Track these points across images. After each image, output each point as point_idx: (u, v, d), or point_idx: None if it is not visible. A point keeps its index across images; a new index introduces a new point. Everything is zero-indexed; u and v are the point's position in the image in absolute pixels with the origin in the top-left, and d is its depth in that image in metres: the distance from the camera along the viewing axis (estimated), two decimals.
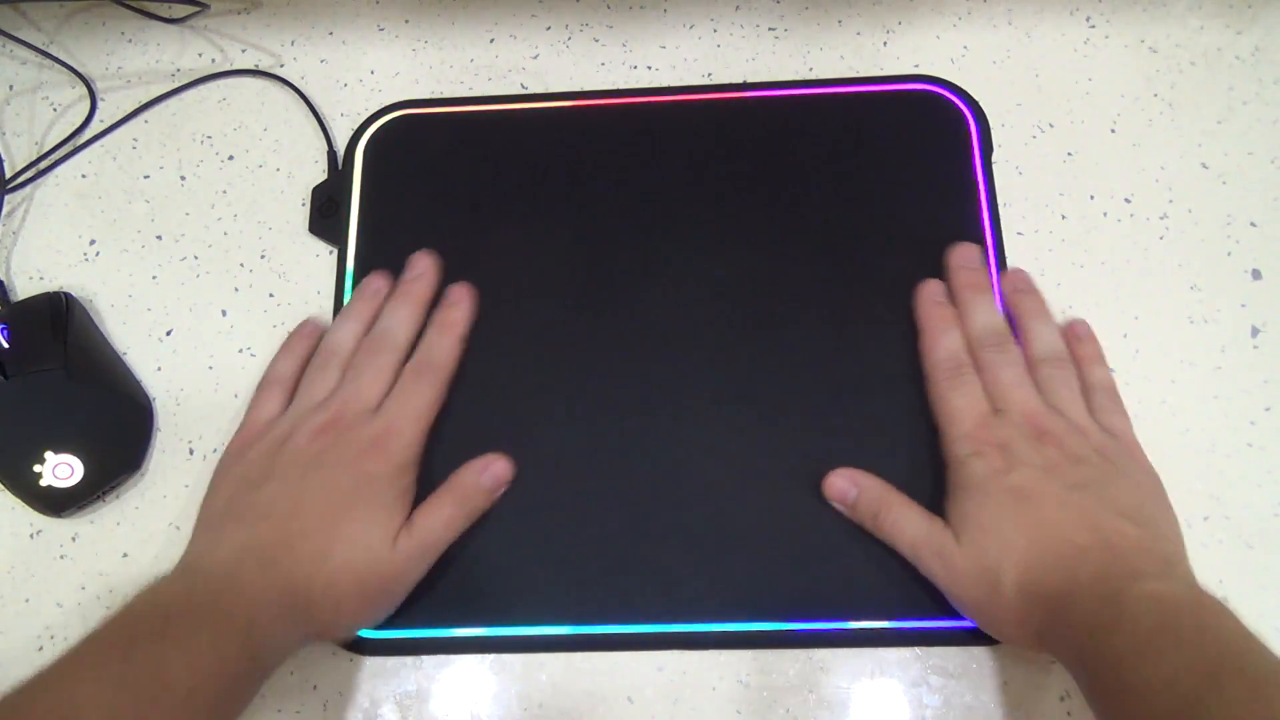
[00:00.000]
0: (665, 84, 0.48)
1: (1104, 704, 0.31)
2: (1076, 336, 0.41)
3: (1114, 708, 0.30)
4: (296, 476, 0.36)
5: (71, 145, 0.49)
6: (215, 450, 0.42)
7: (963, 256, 0.41)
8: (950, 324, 0.40)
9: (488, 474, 0.39)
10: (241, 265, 0.46)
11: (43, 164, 0.48)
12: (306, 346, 0.42)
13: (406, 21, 0.51)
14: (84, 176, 0.49)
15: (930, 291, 0.41)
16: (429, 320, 0.42)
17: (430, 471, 0.40)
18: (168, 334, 0.45)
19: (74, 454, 0.41)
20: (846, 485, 0.38)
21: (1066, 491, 0.34)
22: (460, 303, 0.42)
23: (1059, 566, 0.33)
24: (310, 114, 0.48)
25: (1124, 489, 0.35)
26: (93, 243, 0.47)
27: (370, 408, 0.38)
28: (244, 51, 0.51)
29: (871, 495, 0.38)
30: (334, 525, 0.35)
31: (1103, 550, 0.33)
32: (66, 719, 0.28)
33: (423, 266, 0.43)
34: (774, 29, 0.49)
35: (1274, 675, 0.28)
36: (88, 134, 0.49)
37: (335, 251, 0.45)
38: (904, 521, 0.37)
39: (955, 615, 0.37)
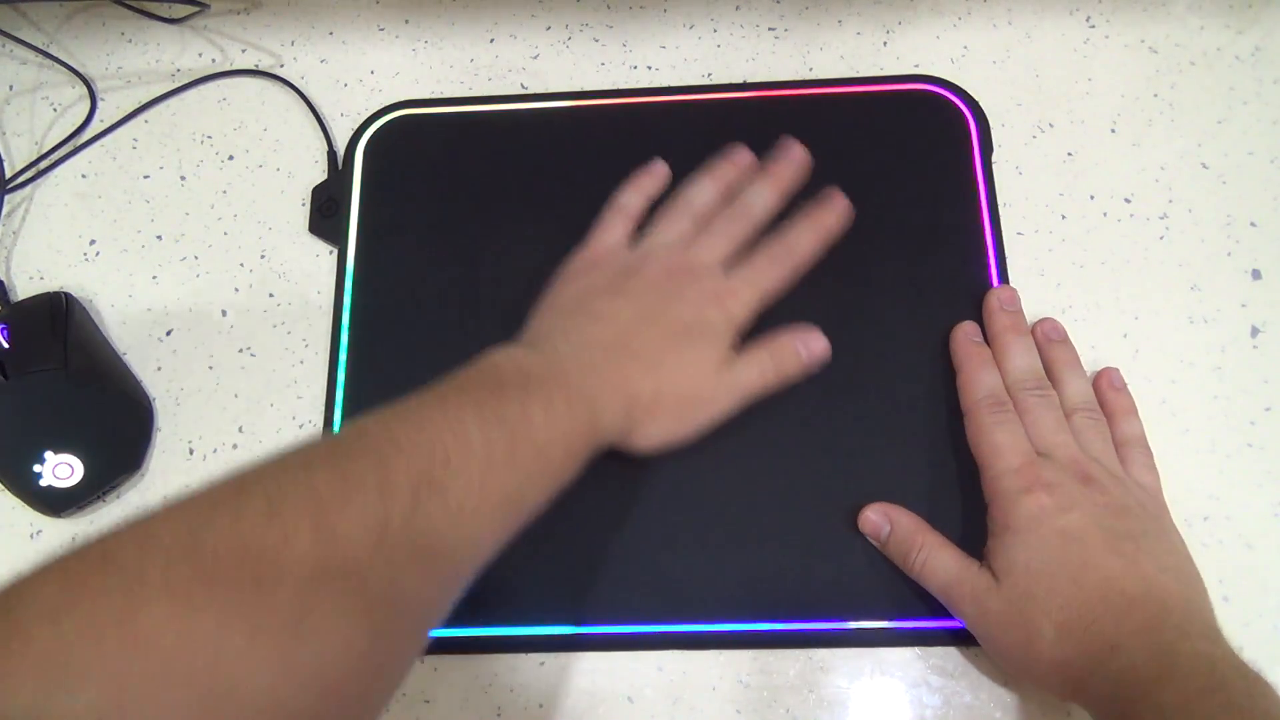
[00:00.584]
0: (665, 84, 0.48)
1: None
2: (1111, 386, 0.40)
3: None
4: (647, 300, 0.38)
5: (71, 145, 0.49)
6: (215, 450, 0.43)
7: (1002, 299, 0.41)
8: (989, 363, 0.40)
9: (806, 348, 0.40)
10: (241, 265, 0.46)
11: (43, 164, 0.48)
12: (657, 186, 0.44)
13: (406, 21, 0.51)
14: (84, 176, 0.49)
15: (967, 331, 0.41)
16: (801, 214, 0.42)
17: None
18: (168, 334, 0.45)
19: (74, 454, 0.41)
20: (880, 520, 0.38)
21: (1117, 540, 0.34)
22: (838, 209, 0.42)
23: (1107, 615, 0.32)
24: (310, 114, 0.48)
25: (1165, 547, 0.35)
26: (93, 243, 0.47)
27: (717, 267, 0.40)
28: (244, 51, 0.51)
29: (903, 533, 0.37)
30: (669, 346, 0.37)
31: (1152, 603, 0.32)
32: (456, 435, 0.30)
33: (796, 154, 0.43)
34: (774, 29, 0.49)
35: None
36: (88, 134, 0.49)
37: (335, 251, 0.45)
38: (935, 563, 0.36)
39: (956, 616, 0.37)
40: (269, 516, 0.25)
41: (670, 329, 0.38)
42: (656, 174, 0.44)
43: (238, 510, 0.25)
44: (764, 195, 0.42)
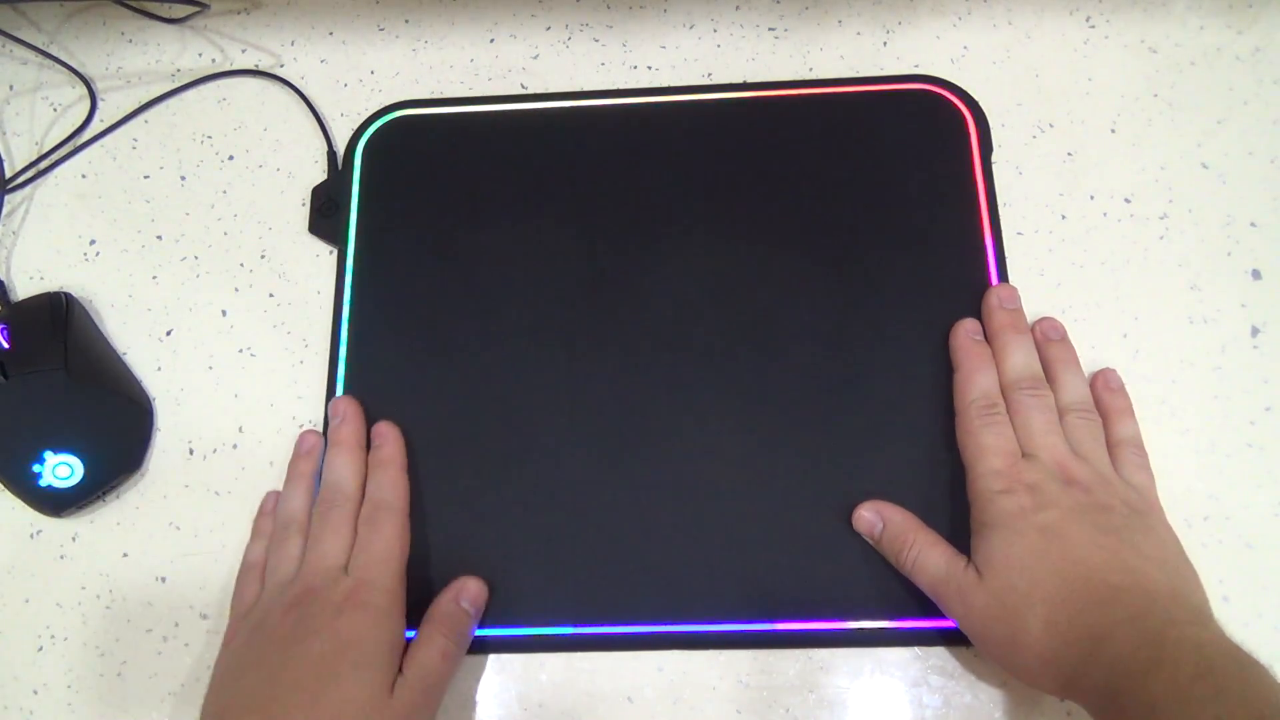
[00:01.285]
0: (665, 84, 0.48)
1: None
2: (1108, 387, 0.40)
3: None
4: (275, 659, 0.34)
5: (71, 145, 0.49)
6: (215, 450, 0.43)
7: (1001, 296, 0.41)
8: (986, 363, 0.40)
9: (465, 598, 0.38)
10: (241, 265, 0.46)
11: (43, 164, 0.48)
12: (270, 524, 0.40)
13: (406, 21, 0.51)
14: (84, 176, 0.49)
15: (968, 329, 0.41)
16: (370, 458, 0.40)
17: (437, 486, 0.40)
18: (168, 334, 0.45)
19: (74, 454, 0.41)
20: (873, 518, 0.38)
21: (1097, 533, 0.34)
22: (388, 438, 0.41)
23: (1092, 606, 0.32)
24: (310, 114, 0.48)
25: (1151, 541, 0.35)
26: (93, 243, 0.47)
27: (339, 566, 0.37)
28: (244, 51, 0.51)
29: (894, 531, 0.37)
30: (317, 699, 0.33)
31: (1138, 592, 0.32)
32: None
33: (341, 409, 0.41)
34: (774, 29, 0.49)
35: None
36: (88, 134, 0.49)
37: (335, 251, 0.45)
38: (924, 560, 0.36)
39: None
40: None
41: (311, 675, 0.33)
42: (266, 510, 0.41)
43: None
44: (341, 467, 0.40)
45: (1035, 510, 0.35)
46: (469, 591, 0.38)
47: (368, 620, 0.35)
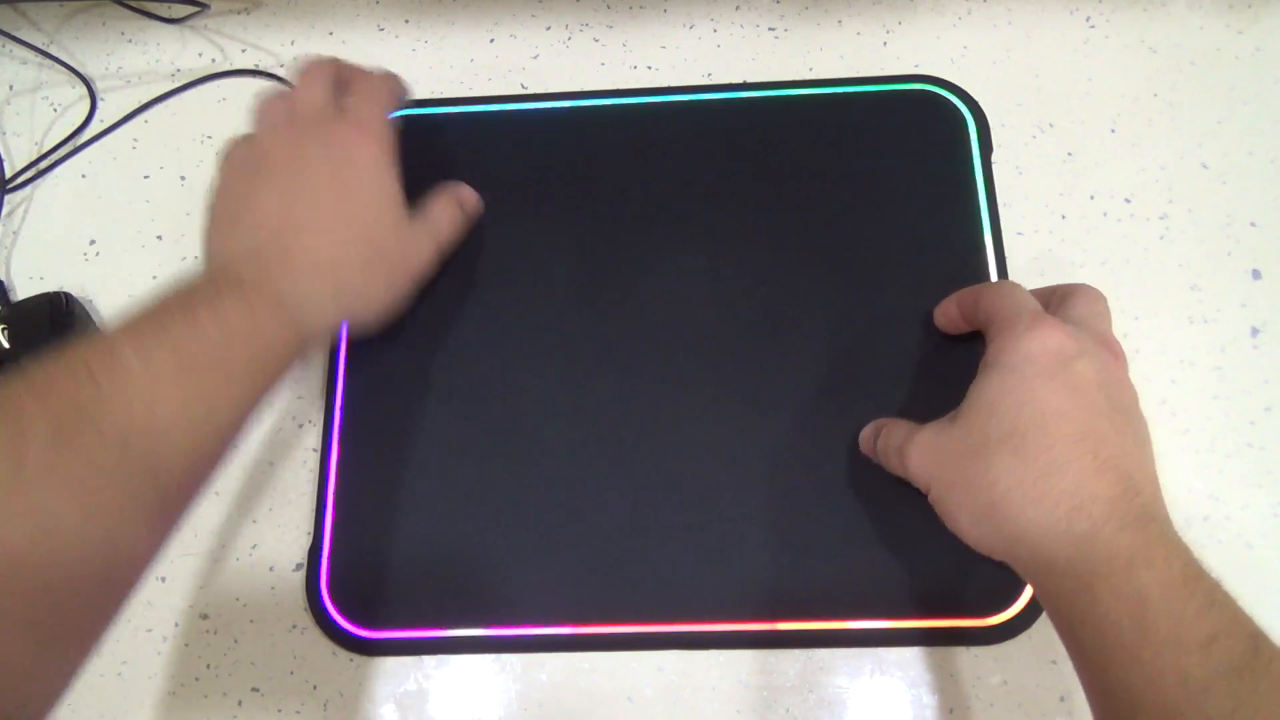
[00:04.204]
0: (665, 84, 0.48)
1: (1111, 638, 0.28)
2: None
3: (1128, 653, 0.27)
4: (282, 173, 0.36)
5: (71, 145, 0.49)
6: None
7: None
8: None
9: (463, 198, 0.42)
10: None
11: (43, 164, 0.48)
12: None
13: (406, 21, 0.51)
14: (84, 176, 0.49)
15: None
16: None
17: (437, 486, 0.40)
18: None
19: None
20: (868, 430, 0.39)
21: (1111, 409, 0.31)
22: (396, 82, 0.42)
23: (1070, 469, 0.29)
24: None
25: (1148, 446, 0.33)
26: (93, 243, 0.47)
27: (327, 103, 0.38)
28: (244, 51, 0.51)
29: (878, 427, 0.38)
30: (331, 199, 0.36)
31: (1122, 475, 0.30)
32: (107, 365, 0.29)
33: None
34: (774, 29, 0.49)
35: None
36: (88, 134, 0.49)
37: None
38: (895, 432, 0.36)
39: (955, 615, 0.37)
40: None
41: (322, 179, 0.36)
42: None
43: None
44: (324, 57, 0.40)
45: (1061, 356, 0.32)
46: (466, 194, 0.42)
47: (367, 132, 0.38)
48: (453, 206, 0.41)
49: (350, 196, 0.36)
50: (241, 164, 0.38)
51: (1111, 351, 0.34)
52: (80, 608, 0.28)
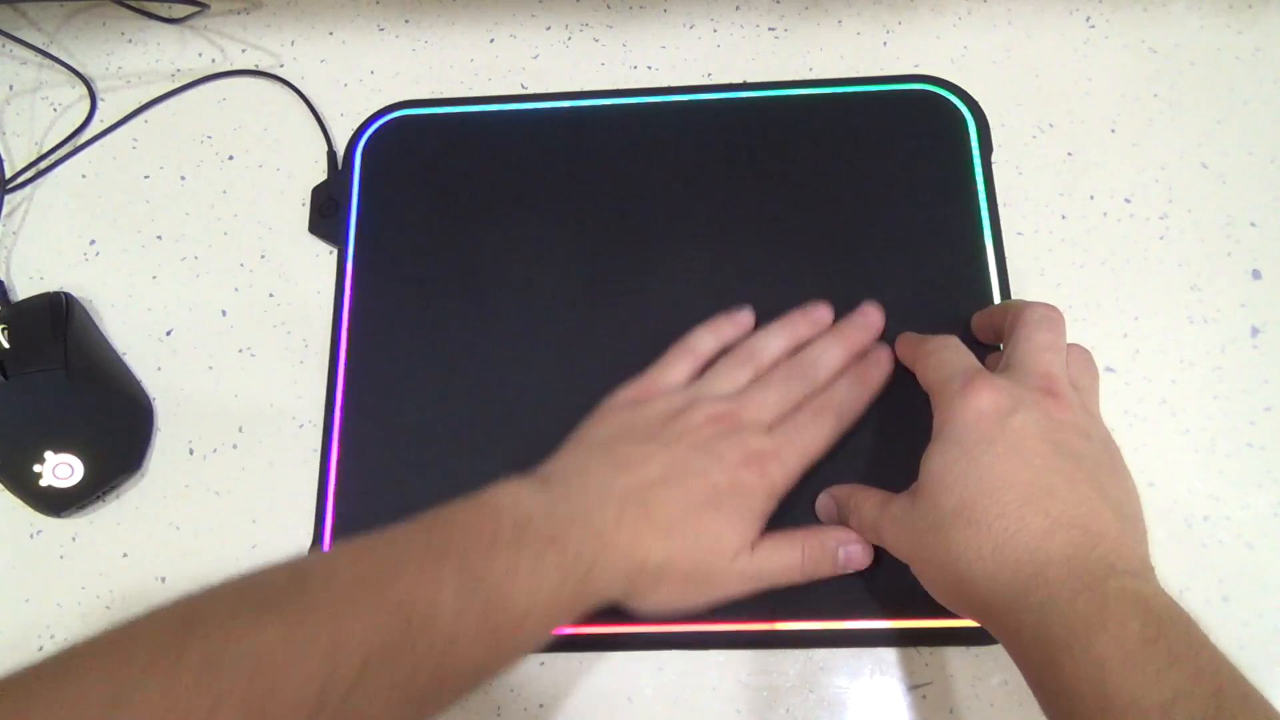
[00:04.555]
0: (665, 84, 0.48)
1: (1076, 708, 0.27)
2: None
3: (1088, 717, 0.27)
4: (680, 449, 0.36)
5: (71, 145, 0.49)
6: (215, 450, 0.42)
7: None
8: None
9: (844, 552, 0.37)
10: (241, 265, 0.46)
11: (43, 164, 0.48)
12: (733, 334, 0.41)
13: (406, 21, 0.51)
14: (84, 176, 0.49)
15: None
16: (850, 372, 0.40)
17: (437, 485, 0.40)
18: (168, 334, 0.45)
19: (74, 454, 0.41)
20: (826, 501, 0.38)
21: (1056, 455, 0.31)
22: (883, 364, 0.40)
23: (1023, 535, 0.29)
24: (310, 114, 0.48)
25: (1115, 483, 0.32)
26: (93, 243, 0.47)
27: (767, 423, 0.37)
28: (244, 51, 0.51)
29: (841, 498, 0.37)
30: (691, 513, 0.34)
31: (1079, 529, 0.29)
32: (426, 598, 0.28)
33: (873, 319, 0.41)
34: (774, 29, 0.49)
35: (1269, 707, 0.26)
36: (88, 134, 0.49)
37: (335, 251, 0.45)
38: (864, 506, 0.36)
39: (955, 615, 0.37)
40: (200, 678, 0.24)
41: (699, 492, 0.35)
42: (739, 322, 0.41)
43: (174, 669, 0.25)
44: (832, 355, 0.39)
45: (997, 415, 0.31)
46: (852, 553, 0.37)
47: (762, 486, 0.36)
48: (797, 555, 0.36)
49: (713, 514, 0.35)
50: (660, 408, 0.37)
51: (1050, 392, 0.33)
52: None
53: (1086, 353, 0.37)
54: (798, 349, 0.40)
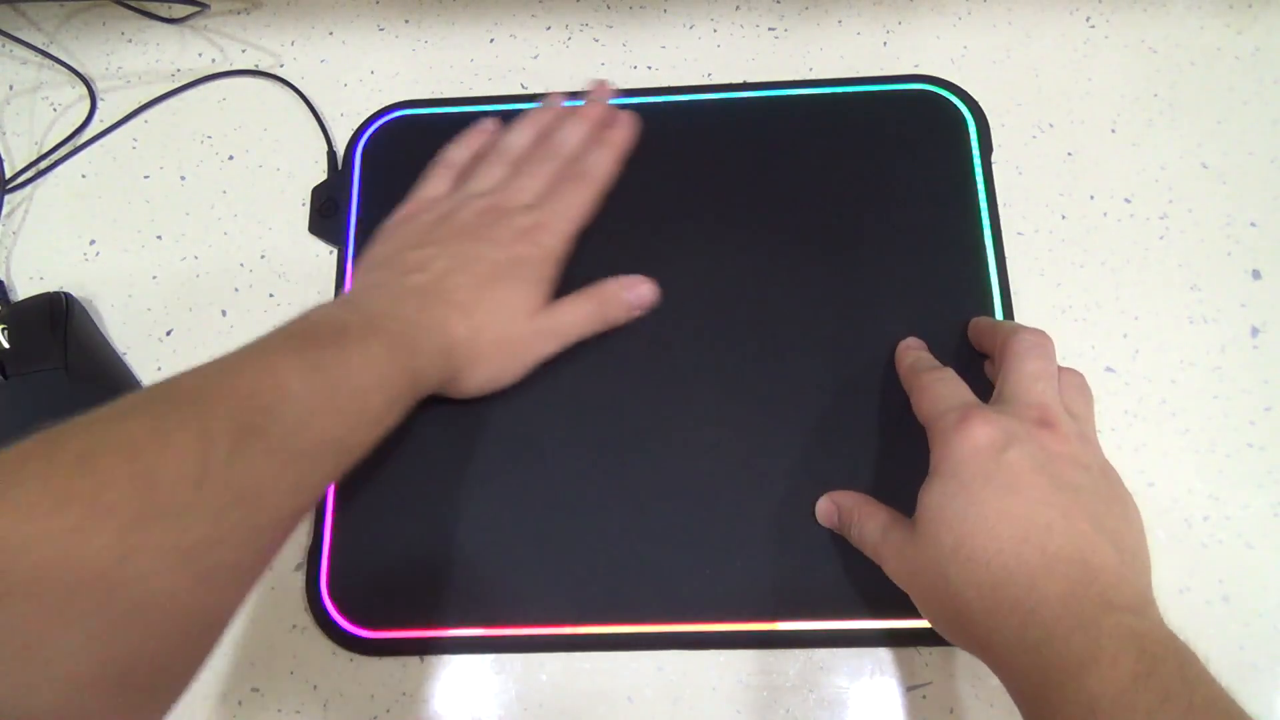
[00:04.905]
0: (665, 84, 0.48)
1: None
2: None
3: None
4: (455, 244, 0.39)
5: (71, 145, 0.49)
6: None
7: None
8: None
9: (633, 291, 0.41)
10: (241, 265, 0.46)
11: (43, 164, 0.48)
12: (482, 142, 0.45)
13: (406, 21, 0.51)
14: (84, 176, 0.49)
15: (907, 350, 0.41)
16: (593, 137, 0.44)
17: (436, 485, 0.40)
18: (168, 334, 0.45)
19: None
20: (829, 507, 0.38)
21: (1052, 489, 0.31)
22: (625, 125, 0.44)
23: (1021, 573, 0.29)
24: (310, 114, 0.48)
25: (1114, 514, 0.32)
26: (93, 243, 0.47)
27: (528, 203, 0.41)
28: (244, 51, 0.51)
29: (845, 511, 0.37)
30: (483, 289, 0.38)
31: (1075, 565, 0.29)
32: (276, 383, 0.30)
33: (605, 93, 0.46)
34: (774, 29, 0.49)
35: None
36: (88, 134, 0.49)
37: (335, 251, 0.45)
38: (867, 526, 0.36)
39: None
40: (79, 468, 0.25)
41: (483, 271, 0.38)
42: (484, 128, 0.45)
43: (48, 466, 0.25)
44: (572, 131, 0.43)
45: (992, 450, 0.31)
46: (639, 289, 0.41)
47: (539, 254, 0.40)
48: (590, 305, 0.41)
49: (498, 278, 0.39)
50: (431, 218, 0.41)
51: (1044, 423, 0.33)
52: (179, 647, 0.28)
53: (1080, 376, 0.36)
54: (544, 136, 0.44)
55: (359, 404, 0.33)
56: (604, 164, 0.43)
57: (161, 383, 0.29)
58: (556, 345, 0.40)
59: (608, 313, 0.41)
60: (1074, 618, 0.28)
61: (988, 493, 0.31)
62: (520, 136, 0.44)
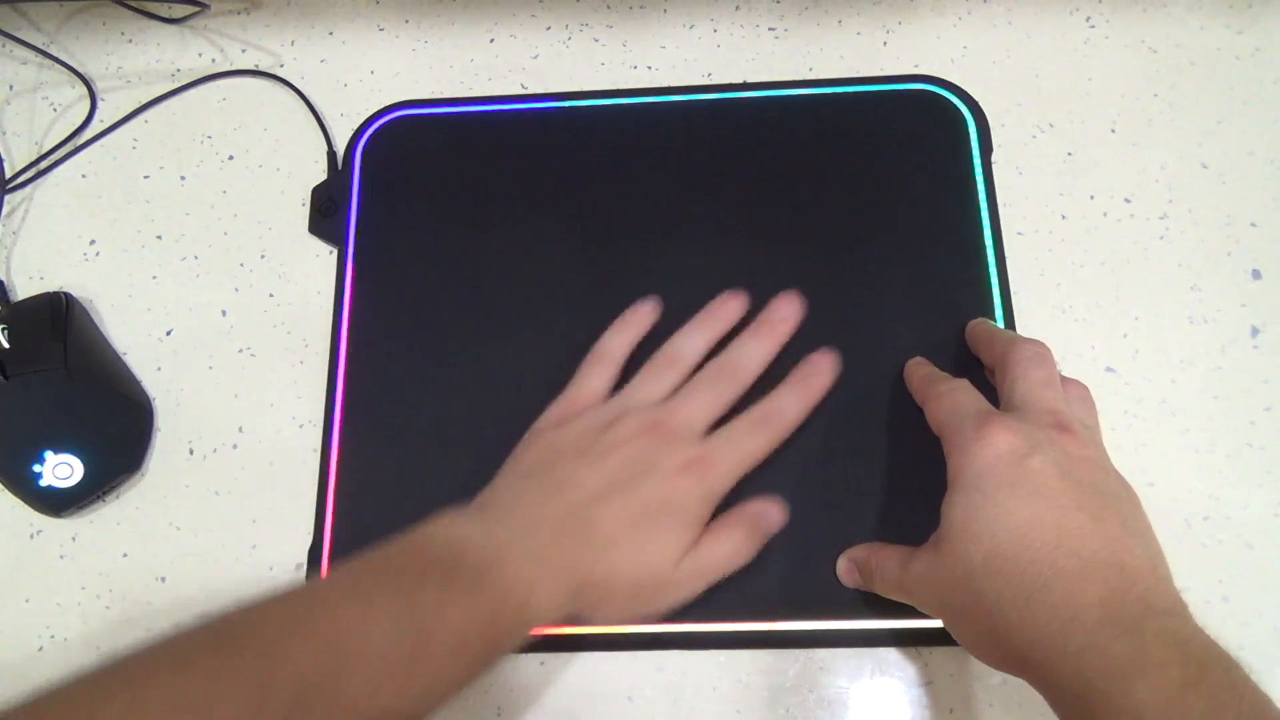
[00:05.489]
0: (665, 84, 0.48)
1: None
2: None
3: None
4: (612, 464, 0.35)
5: (71, 145, 0.49)
6: (215, 450, 0.42)
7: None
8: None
9: (769, 517, 0.37)
10: (241, 265, 0.46)
11: (43, 164, 0.48)
12: (641, 329, 0.41)
13: (406, 21, 0.51)
14: (84, 176, 0.49)
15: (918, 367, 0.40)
16: (790, 378, 0.39)
17: (437, 486, 0.40)
18: (168, 334, 0.45)
19: (74, 454, 0.41)
20: (846, 565, 0.37)
21: (1083, 493, 0.30)
22: (826, 372, 0.39)
23: (1058, 581, 0.28)
24: (310, 114, 0.48)
25: (1137, 516, 0.31)
26: (93, 243, 0.47)
27: (699, 430, 0.37)
28: (244, 51, 0.51)
29: (860, 561, 0.37)
30: (632, 525, 0.34)
31: (1113, 567, 0.28)
32: (357, 634, 0.28)
33: (789, 310, 0.40)
34: (774, 29, 0.49)
35: None
36: (88, 134, 0.49)
37: (335, 251, 0.45)
38: (886, 567, 0.35)
39: None
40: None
41: (636, 506, 0.34)
42: (643, 315, 0.41)
43: (91, 716, 0.24)
44: (756, 352, 0.39)
45: (1014, 458, 0.31)
46: (772, 514, 0.37)
47: (699, 494, 0.35)
48: (737, 537, 0.36)
49: (654, 525, 0.34)
50: (586, 425, 0.37)
51: (1062, 428, 0.32)
52: None
53: (1085, 389, 0.36)
54: (717, 344, 0.40)
55: (452, 658, 0.29)
56: (797, 412, 0.38)
57: (240, 615, 0.28)
58: (702, 588, 0.35)
59: (757, 541, 0.36)
60: (1116, 623, 0.27)
61: (1015, 501, 0.30)
62: (695, 342, 0.39)
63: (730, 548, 0.36)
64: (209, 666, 0.26)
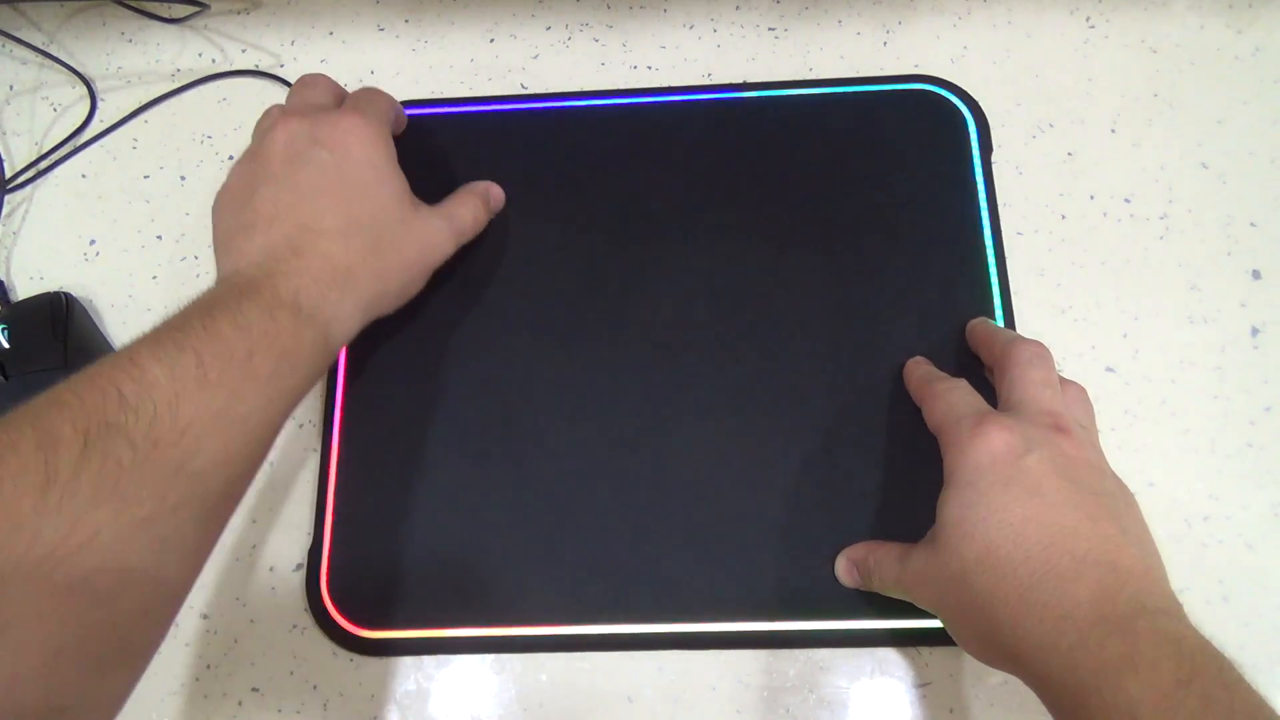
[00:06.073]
0: (665, 84, 0.48)
1: None
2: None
3: None
4: (285, 171, 0.36)
5: (71, 145, 0.49)
6: None
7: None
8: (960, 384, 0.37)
9: (492, 194, 0.43)
10: None
11: (43, 164, 0.48)
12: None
13: (406, 21, 0.51)
14: (84, 176, 0.49)
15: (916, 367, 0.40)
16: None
17: (437, 485, 0.40)
18: None
19: None
20: (845, 564, 0.38)
21: (1078, 492, 0.30)
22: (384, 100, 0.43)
23: (1050, 579, 0.28)
24: None
25: (1132, 517, 0.32)
26: (93, 243, 0.47)
27: (324, 104, 0.39)
28: (244, 51, 0.51)
29: (859, 561, 0.37)
30: (346, 202, 0.35)
31: (1106, 566, 0.29)
32: (131, 375, 0.28)
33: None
34: (774, 29, 0.49)
35: None
36: (88, 134, 0.49)
37: None
38: (884, 565, 0.35)
39: None
40: None
41: (331, 180, 0.36)
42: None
43: None
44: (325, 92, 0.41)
45: (1010, 456, 0.31)
46: (495, 192, 0.43)
47: (365, 126, 0.37)
48: (475, 199, 0.42)
49: (352, 190, 0.36)
50: (243, 168, 0.38)
51: (1059, 428, 0.32)
52: (131, 618, 0.28)
53: (1083, 390, 0.36)
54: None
55: (238, 371, 0.30)
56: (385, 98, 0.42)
57: (16, 408, 0.29)
58: (449, 249, 0.40)
59: (480, 213, 0.42)
60: (1108, 621, 0.27)
61: (1009, 498, 0.30)
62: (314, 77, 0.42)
63: (469, 209, 0.41)
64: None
